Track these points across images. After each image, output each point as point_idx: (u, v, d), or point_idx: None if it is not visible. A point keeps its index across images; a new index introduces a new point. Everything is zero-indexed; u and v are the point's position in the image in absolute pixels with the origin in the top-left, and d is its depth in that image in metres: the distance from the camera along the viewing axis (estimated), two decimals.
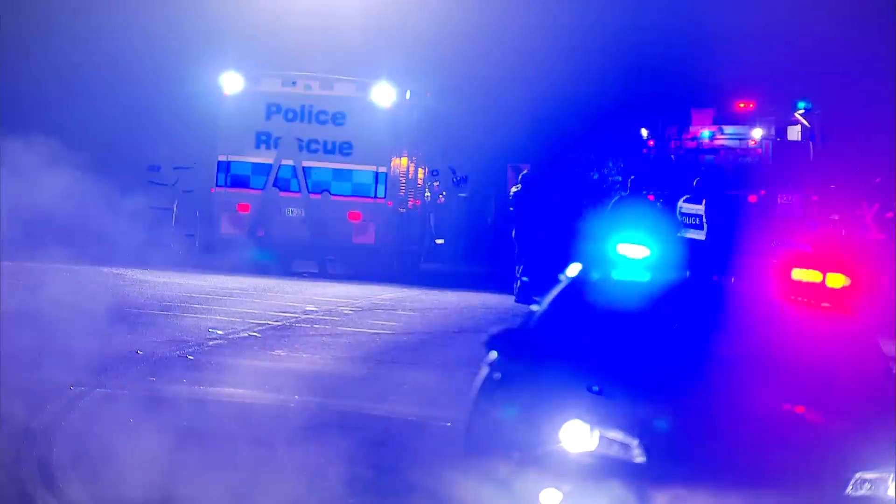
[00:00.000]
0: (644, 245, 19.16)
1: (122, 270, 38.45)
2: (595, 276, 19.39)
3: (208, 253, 45.49)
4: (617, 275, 19.17)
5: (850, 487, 16.58)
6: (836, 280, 18.86)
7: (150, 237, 40.28)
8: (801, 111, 37.87)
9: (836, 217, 35.14)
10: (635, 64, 50.42)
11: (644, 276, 19.12)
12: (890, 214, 39.27)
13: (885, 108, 42.61)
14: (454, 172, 53.06)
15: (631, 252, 19.14)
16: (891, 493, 16.59)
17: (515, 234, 35.47)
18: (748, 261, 20.62)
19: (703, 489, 16.56)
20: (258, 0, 53.39)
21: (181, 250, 45.15)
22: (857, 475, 16.62)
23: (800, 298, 18.88)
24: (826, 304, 18.80)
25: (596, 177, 33.91)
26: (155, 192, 47.88)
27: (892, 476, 16.62)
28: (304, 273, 45.26)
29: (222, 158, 48.11)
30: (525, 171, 36.56)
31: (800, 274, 18.88)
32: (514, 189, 36.02)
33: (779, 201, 34.62)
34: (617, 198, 30.75)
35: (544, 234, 32.76)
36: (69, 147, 30.98)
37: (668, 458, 16.76)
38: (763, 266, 19.61)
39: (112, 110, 32.56)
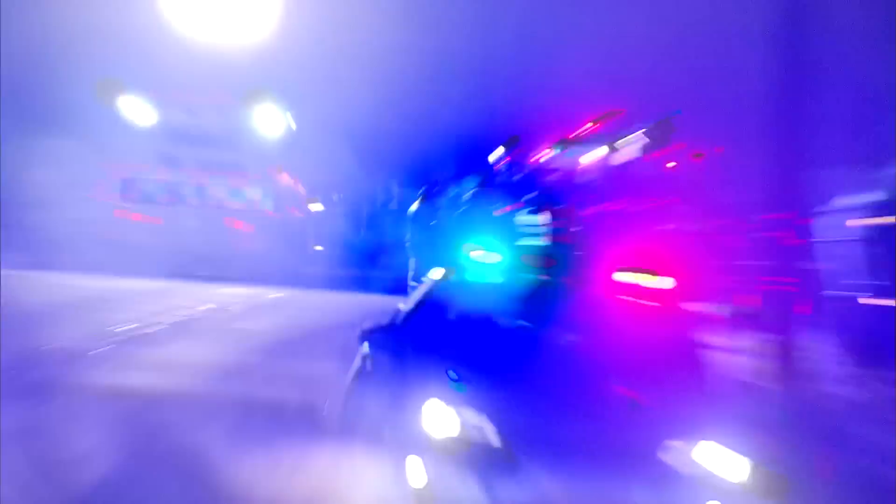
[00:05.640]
0: (495, 252, 19.36)
1: (38, 273, 38.18)
2: (453, 277, 19.57)
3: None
4: (469, 277, 19.34)
5: (661, 453, 17.02)
6: (663, 282, 19.16)
7: (74, 245, 40.22)
8: (633, 135, 38.18)
9: (669, 226, 35.39)
10: (483, 93, 50.57)
11: (494, 279, 19.29)
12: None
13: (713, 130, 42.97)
14: (330, 190, 53.32)
15: (484, 258, 19.32)
16: (693, 457, 16.99)
17: (411, 244, 35.30)
18: (589, 264, 20.83)
19: (543, 461, 16.76)
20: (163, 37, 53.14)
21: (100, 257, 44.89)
22: (667, 443, 17.09)
23: (625, 297, 19.16)
24: (649, 302, 19.10)
25: (454, 193, 34.05)
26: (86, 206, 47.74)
27: (694, 445, 17.04)
28: (203, 276, 45.22)
29: (129, 175, 48.15)
30: (423, 190, 36.43)
31: (629, 276, 19.16)
32: (413, 206, 35.86)
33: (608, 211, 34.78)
34: (465, 209, 30.98)
35: (436, 245, 32.59)
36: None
37: (515, 435, 16.96)
38: (595, 270, 19.84)
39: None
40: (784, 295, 23.24)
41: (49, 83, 44.99)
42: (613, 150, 37.68)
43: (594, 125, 37.93)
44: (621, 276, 19.17)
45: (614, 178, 38.45)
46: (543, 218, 24.75)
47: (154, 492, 18.65)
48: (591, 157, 39.32)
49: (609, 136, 38.09)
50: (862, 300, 31.90)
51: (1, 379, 24.13)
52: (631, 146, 38.40)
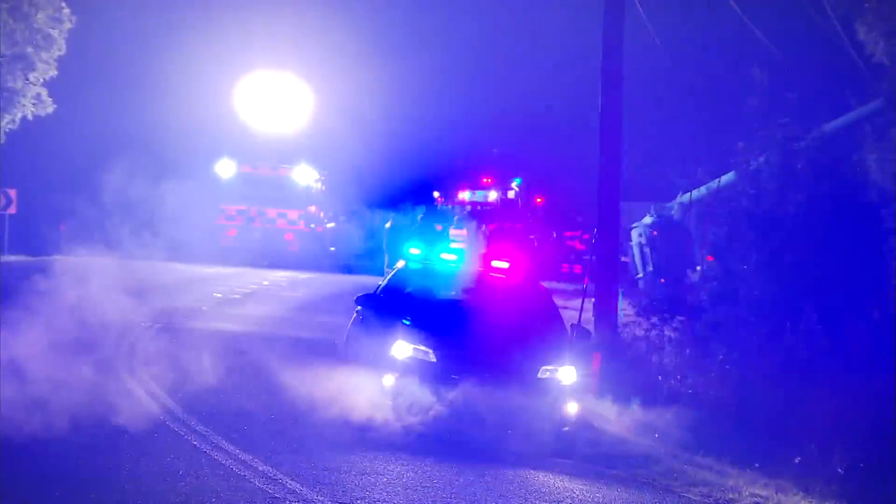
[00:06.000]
0: (435, 250, 19.37)
1: (167, 263, 37.75)
2: (412, 265, 19.52)
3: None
4: (420, 265, 19.33)
5: (539, 374, 16.88)
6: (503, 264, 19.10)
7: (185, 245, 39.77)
8: (515, 183, 38.13)
9: (533, 236, 35.60)
10: (429, 161, 50.41)
11: (434, 266, 19.27)
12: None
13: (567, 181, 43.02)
14: (339, 215, 53.04)
15: (427, 254, 19.32)
16: (558, 376, 16.91)
17: (387, 246, 34.98)
18: (489, 258, 20.85)
19: (464, 375, 16.71)
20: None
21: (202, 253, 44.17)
22: (543, 367, 16.93)
23: (494, 274, 19.06)
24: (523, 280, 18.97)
25: (411, 216, 33.92)
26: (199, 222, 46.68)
27: (560, 368, 16.96)
28: (263, 265, 44.96)
29: (222, 206, 47.95)
30: (394, 214, 36.31)
31: (496, 263, 19.10)
32: (388, 224, 35.67)
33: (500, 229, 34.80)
34: (417, 225, 30.98)
35: (402, 246, 32.34)
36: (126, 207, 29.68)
37: (447, 359, 16.97)
38: (489, 260, 19.73)
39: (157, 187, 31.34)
40: (602, 276, 23.16)
41: (181, 152, 44.76)
42: (500, 194, 38.03)
43: (489, 180, 38.20)
44: (499, 264, 19.04)
45: (501, 209, 38.78)
46: (462, 231, 24.76)
47: (239, 385, 18.75)
48: (489, 197, 39.65)
49: (496, 186, 38.39)
50: (639, 278, 32.21)
51: (154, 324, 24.13)
52: (507, 192, 38.65)
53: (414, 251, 19.29)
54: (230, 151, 48.62)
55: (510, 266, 18.89)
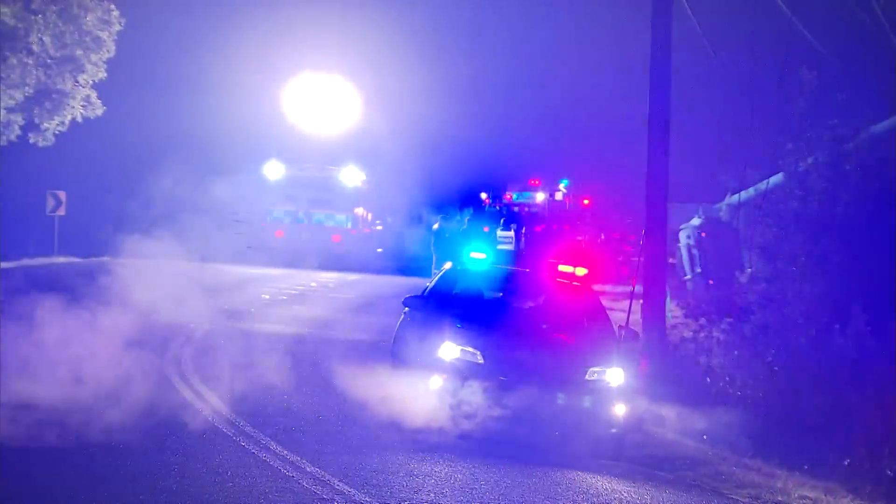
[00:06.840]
0: (483, 252, 19.38)
1: (214, 264, 37.99)
2: (458, 266, 19.60)
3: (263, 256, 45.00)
4: (467, 266, 19.36)
5: (586, 375, 16.83)
6: (581, 271, 19.04)
7: (234, 247, 39.94)
8: (562, 185, 38.06)
9: (581, 238, 35.50)
10: (476, 164, 50.29)
11: (482, 268, 19.30)
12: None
13: (617, 184, 42.96)
14: (386, 216, 53.16)
15: (476, 255, 19.37)
16: (606, 378, 16.86)
17: (434, 247, 34.90)
18: (536, 260, 20.86)
19: (512, 377, 16.74)
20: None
21: (249, 254, 44.43)
22: (590, 369, 16.88)
23: (562, 280, 19.06)
24: (576, 283, 18.94)
25: (458, 218, 33.75)
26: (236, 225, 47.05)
27: (607, 370, 16.91)
28: (310, 266, 45.06)
29: (270, 208, 48.12)
30: (441, 216, 36.27)
31: (563, 267, 19.07)
32: (435, 225, 35.63)
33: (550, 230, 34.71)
34: (465, 227, 30.92)
35: (449, 248, 32.40)
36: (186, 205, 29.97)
37: (495, 360, 17.00)
38: (544, 263, 19.74)
39: (208, 190, 31.53)
40: (650, 277, 23.07)
41: (229, 153, 44.82)
42: (547, 195, 38.00)
43: (536, 182, 38.20)
44: (563, 268, 19.03)
45: (549, 210, 38.76)
46: (510, 232, 24.76)
47: (286, 386, 18.83)
48: (537, 198, 39.59)
49: (544, 187, 38.37)
50: (687, 279, 32.08)
51: (201, 325, 24.33)
52: (555, 194, 38.58)
53: (478, 255, 19.22)
54: (278, 153, 48.74)
55: (588, 273, 18.84)
